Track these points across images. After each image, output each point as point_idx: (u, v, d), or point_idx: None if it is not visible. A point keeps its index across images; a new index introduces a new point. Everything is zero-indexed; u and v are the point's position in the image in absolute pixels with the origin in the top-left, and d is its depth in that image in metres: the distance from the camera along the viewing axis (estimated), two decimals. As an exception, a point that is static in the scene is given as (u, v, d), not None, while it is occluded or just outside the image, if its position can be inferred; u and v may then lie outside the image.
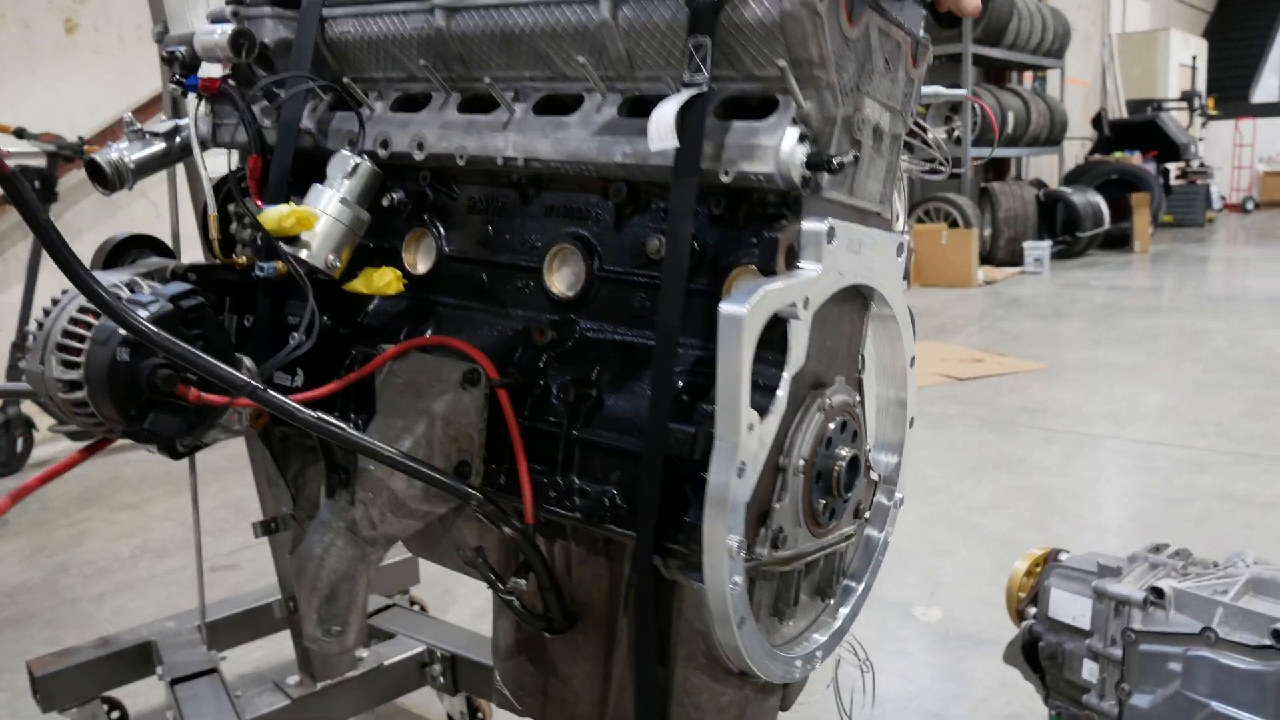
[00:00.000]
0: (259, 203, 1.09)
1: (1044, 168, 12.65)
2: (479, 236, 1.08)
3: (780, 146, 0.79)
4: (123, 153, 1.16)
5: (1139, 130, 13.66)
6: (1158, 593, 1.35)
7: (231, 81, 1.16)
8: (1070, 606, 1.48)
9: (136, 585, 2.89)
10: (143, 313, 0.94)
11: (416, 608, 2.27)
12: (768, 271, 0.83)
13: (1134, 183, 11.64)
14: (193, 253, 1.41)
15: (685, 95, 0.80)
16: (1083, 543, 2.76)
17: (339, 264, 1.07)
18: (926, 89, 0.96)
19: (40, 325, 0.96)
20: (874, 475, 1.00)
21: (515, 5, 0.95)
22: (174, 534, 3.31)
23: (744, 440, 0.76)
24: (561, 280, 1.00)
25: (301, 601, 1.03)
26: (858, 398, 0.92)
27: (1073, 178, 12.07)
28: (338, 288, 1.11)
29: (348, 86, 1.10)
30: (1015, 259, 9.48)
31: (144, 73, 4.38)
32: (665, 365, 0.82)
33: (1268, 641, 1.19)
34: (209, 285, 1.08)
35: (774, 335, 0.78)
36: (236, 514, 3.45)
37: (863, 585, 1.02)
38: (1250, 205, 16.05)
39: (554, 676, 1.06)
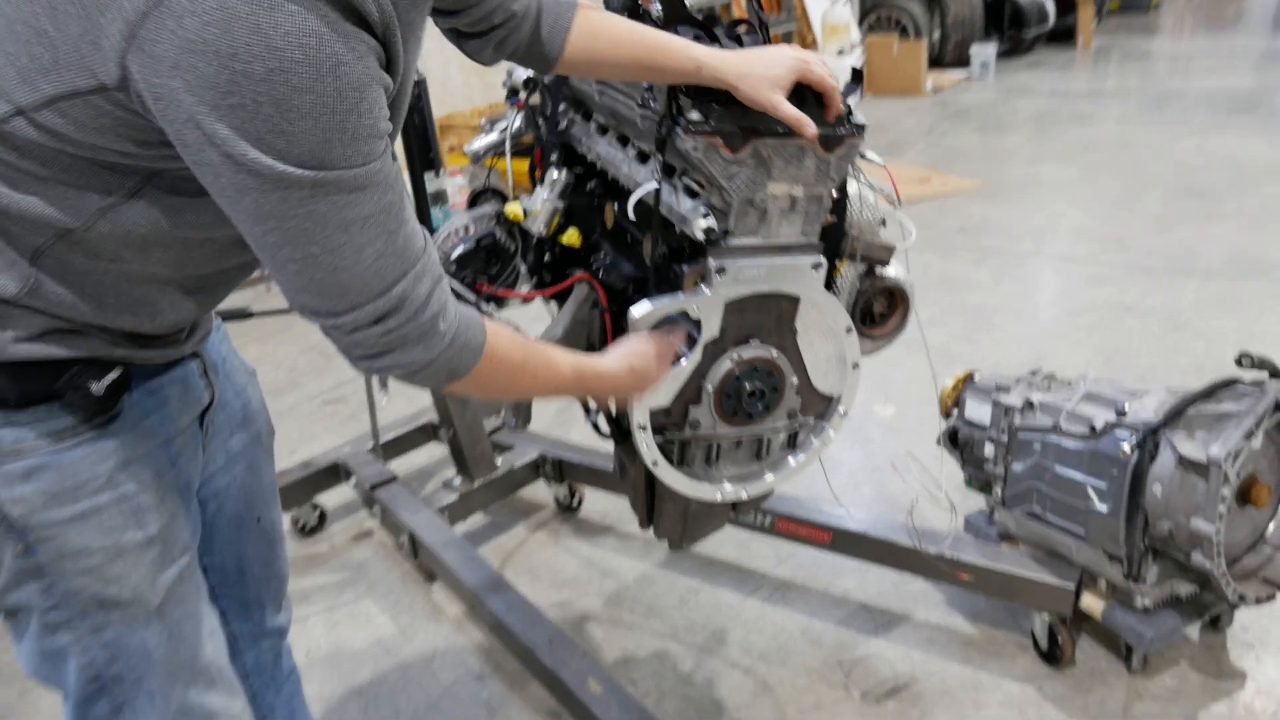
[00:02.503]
0: (540, 174, 1.76)
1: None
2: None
3: (694, 222, 1.27)
4: (481, 141, 1.86)
5: (1089, -85, 13.75)
6: (1029, 403, 2.17)
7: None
8: (978, 410, 2.30)
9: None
10: (461, 247, 1.67)
11: (513, 426, 3.06)
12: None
13: (1081, -25, 11.94)
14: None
15: (646, 189, 1.37)
16: (1002, 350, 3.62)
17: (545, 231, 1.75)
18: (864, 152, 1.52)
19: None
20: (825, 392, 1.51)
21: (607, 95, 1.54)
22: (275, 375, 4.03)
23: None
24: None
25: (507, 404, 1.75)
26: (775, 352, 1.40)
27: (1022, -29, 12.32)
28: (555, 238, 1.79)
29: (562, 116, 1.75)
30: (962, 62, 9.98)
31: None
32: None
33: (1085, 432, 2.02)
34: (507, 224, 1.73)
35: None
36: (322, 356, 4.18)
37: (800, 457, 1.53)
38: (1198, -17, 16.26)
39: (625, 464, 1.71)
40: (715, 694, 2.11)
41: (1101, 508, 1.96)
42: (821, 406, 1.49)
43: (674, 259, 1.39)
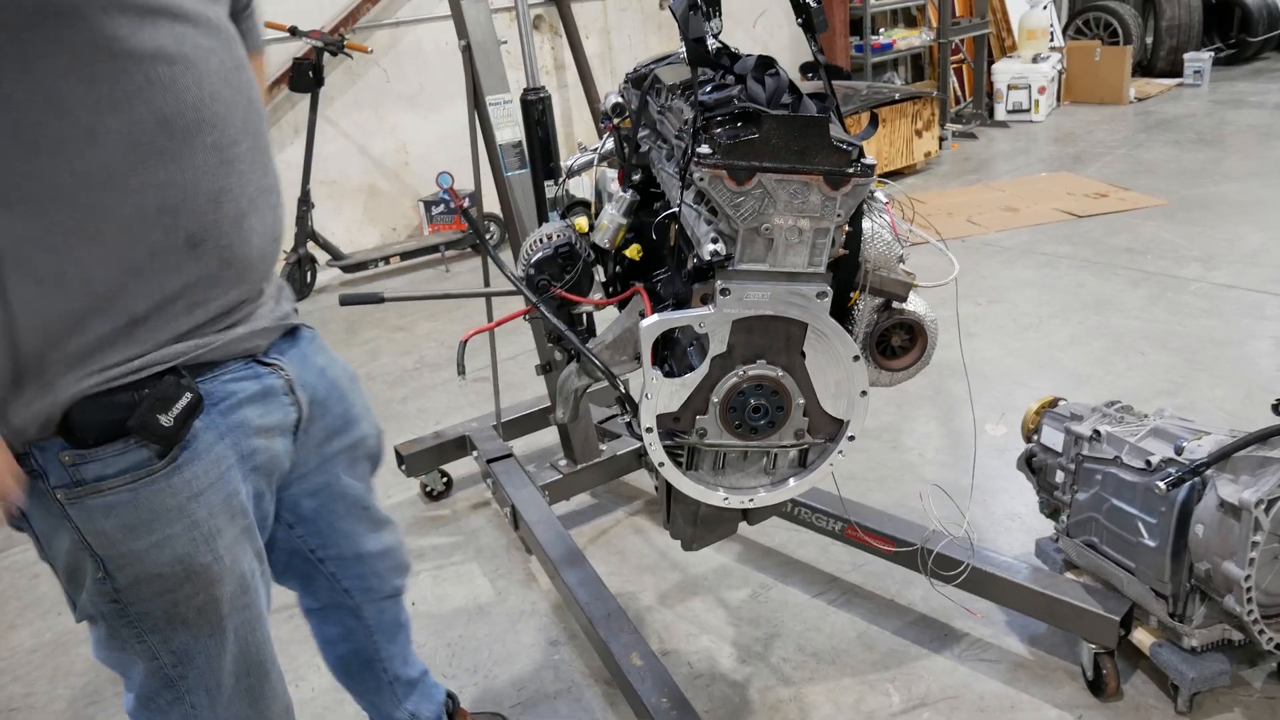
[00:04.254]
0: (624, 192, 1.94)
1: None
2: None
3: (703, 245, 1.36)
4: (577, 161, 2.07)
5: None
6: (1097, 433, 2.18)
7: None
8: (1053, 437, 2.32)
9: (425, 392, 4.02)
10: (540, 253, 1.83)
11: (627, 416, 3.27)
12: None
13: (1327, -26, 10.94)
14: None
15: (667, 213, 1.55)
16: (1135, 377, 3.52)
17: (609, 245, 1.94)
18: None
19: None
20: (834, 415, 1.55)
21: (664, 124, 1.68)
22: (440, 351, 4.42)
23: (650, 384, 1.46)
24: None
25: (558, 397, 1.91)
26: (781, 372, 1.46)
27: (1258, -30, 11.41)
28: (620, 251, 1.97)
29: (643, 140, 1.94)
30: (1175, 70, 9.39)
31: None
32: None
33: (1142, 466, 2.02)
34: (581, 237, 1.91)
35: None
36: (479, 336, 4.55)
37: (806, 476, 1.58)
38: None
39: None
40: (762, 683, 2.26)
41: (1150, 543, 1.97)
42: (833, 429, 1.55)
43: (697, 278, 1.53)
